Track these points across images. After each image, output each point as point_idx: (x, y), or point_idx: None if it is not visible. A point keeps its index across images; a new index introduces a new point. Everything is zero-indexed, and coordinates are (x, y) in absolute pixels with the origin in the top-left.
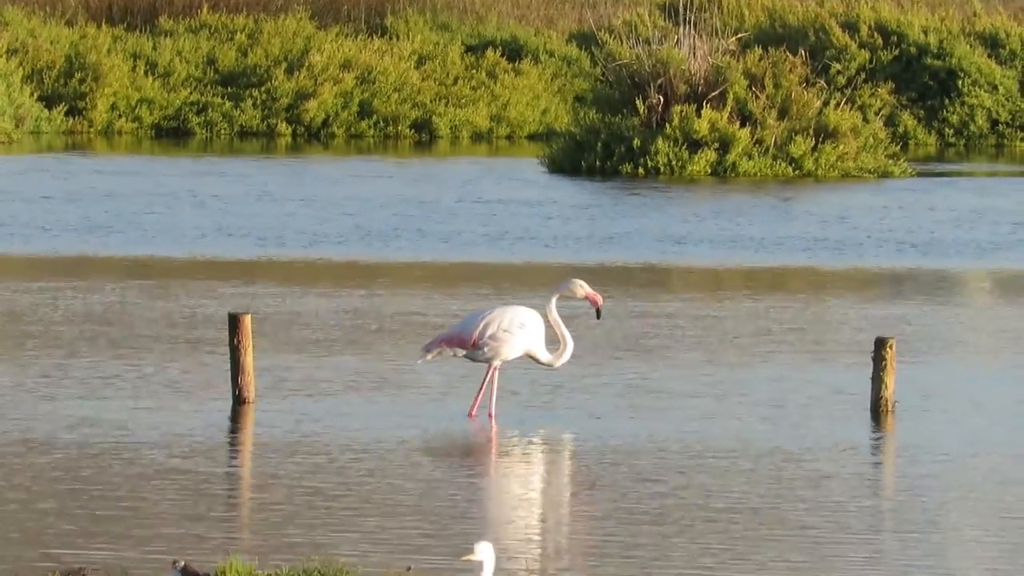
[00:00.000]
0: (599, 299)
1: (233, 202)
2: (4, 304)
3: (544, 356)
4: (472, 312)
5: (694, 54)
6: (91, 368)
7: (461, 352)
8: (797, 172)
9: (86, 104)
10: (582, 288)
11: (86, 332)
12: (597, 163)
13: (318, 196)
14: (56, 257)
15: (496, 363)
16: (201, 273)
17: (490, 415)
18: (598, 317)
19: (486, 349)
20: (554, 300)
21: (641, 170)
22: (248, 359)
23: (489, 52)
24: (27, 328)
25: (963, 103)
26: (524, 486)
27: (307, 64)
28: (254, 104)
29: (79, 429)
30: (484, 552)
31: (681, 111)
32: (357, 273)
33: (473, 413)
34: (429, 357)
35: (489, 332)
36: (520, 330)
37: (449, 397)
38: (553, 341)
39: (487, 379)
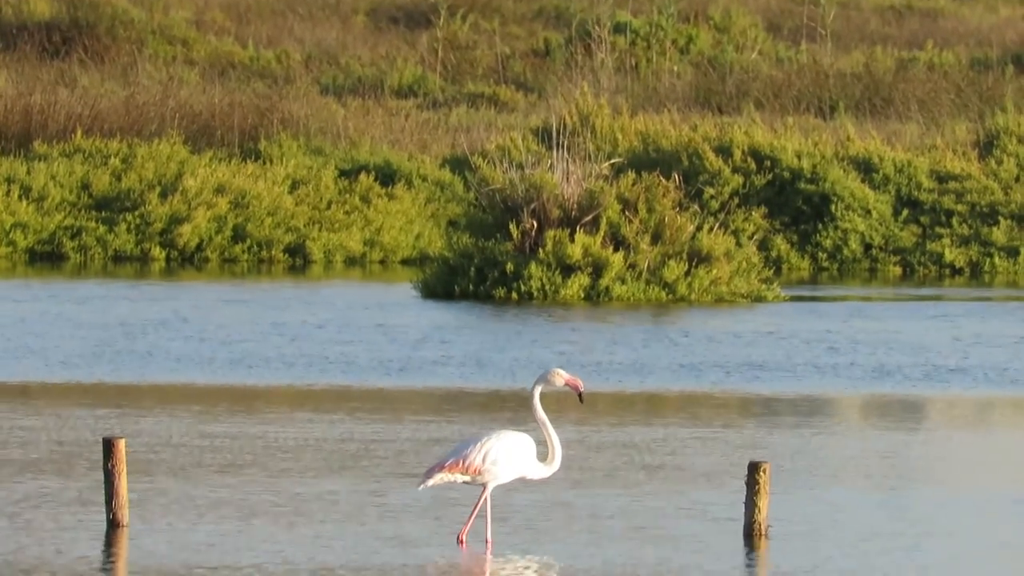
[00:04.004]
0: (580, 384)
1: (106, 326)
2: None
3: (537, 473)
4: (466, 438)
5: (567, 179)
6: None
7: (461, 478)
8: (670, 297)
9: None
10: (560, 376)
11: None
12: (470, 288)
13: (193, 319)
14: None
15: (491, 487)
16: (75, 396)
17: (487, 540)
18: (581, 402)
19: (485, 474)
20: (536, 395)
21: (514, 295)
22: (122, 483)
23: (363, 177)
24: None
25: (836, 227)
26: None
27: (181, 188)
28: (128, 228)
29: None
30: None
31: (554, 236)
32: (233, 398)
33: (463, 538)
34: (430, 483)
35: (490, 458)
36: (514, 455)
37: (329, 525)
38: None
39: (478, 504)
